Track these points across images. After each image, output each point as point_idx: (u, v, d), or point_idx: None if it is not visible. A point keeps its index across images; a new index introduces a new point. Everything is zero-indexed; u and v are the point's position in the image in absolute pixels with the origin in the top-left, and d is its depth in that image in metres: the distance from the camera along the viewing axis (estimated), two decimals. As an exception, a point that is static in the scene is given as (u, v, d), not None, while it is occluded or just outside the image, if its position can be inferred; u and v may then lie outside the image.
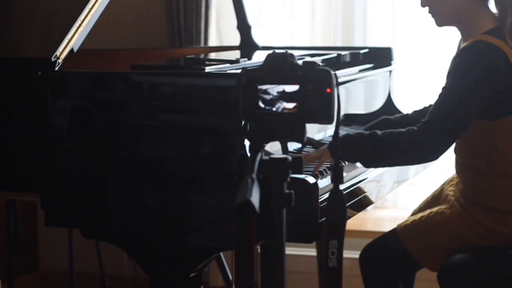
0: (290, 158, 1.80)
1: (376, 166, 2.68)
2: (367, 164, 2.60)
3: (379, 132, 2.48)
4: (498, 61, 2.48)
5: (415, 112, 2.86)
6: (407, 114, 2.87)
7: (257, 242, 2.14)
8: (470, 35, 2.58)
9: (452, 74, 2.52)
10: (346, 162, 2.61)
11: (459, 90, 2.49)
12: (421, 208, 2.83)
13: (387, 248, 2.73)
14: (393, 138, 2.47)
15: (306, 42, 4.02)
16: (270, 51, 1.87)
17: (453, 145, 2.62)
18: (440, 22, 2.64)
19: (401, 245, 2.68)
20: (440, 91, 2.53)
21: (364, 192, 2.62)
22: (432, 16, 2.64)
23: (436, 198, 2.82)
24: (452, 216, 2.63)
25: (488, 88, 2.49)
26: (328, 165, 2.54)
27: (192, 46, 3.89)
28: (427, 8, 2.65)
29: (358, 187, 2.58)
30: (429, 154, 2.49)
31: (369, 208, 2.80)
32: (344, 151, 2.46)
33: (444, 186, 2.82)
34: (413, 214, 2.83)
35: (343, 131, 3.00)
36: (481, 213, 2.58)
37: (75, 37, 2.56)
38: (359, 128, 3.10)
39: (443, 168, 3.80)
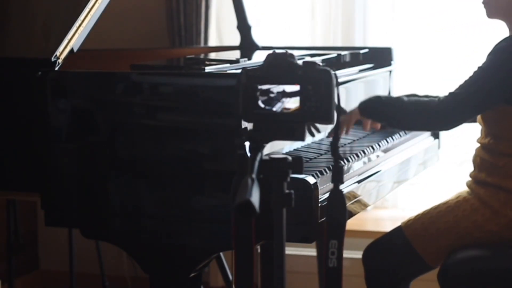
0: (290, 158, 1.80)
1: (398, 127, 2.90)
2: (391, 124, 2.78)
3: (405, 97, 2.68)
4: None
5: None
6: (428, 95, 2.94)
7: (257, 242, 2.14)
8: None
9: (492, 56, 2.62)
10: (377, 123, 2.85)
11: (493, 72, 2.60)
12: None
13: (391, 245, 2.75)
14: (418, 103, 2.66)
15: (306, 42, 4.02)
16: (270, 51, 1.87)
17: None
18: (490, 14, 2.72)
19: (405, 241, 2.69)
20: (475, 69, 2.63)
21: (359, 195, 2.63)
22: (485, 6, 2.72)
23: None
24: (458, 203, 2.70)
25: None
26: (328, 165, 2.54)
27: (192, 46, 3.89)
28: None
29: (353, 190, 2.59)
30: (447, 122, 2.65)
31: (369, 208, 2.80)
32: (372, 110, 2.71)
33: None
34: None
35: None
36: (489, 194, 2.65)
37: (75, 37, 2.56)
38: (359, 128, 3.10)
39: (443, 169, 3.81)
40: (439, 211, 2.71)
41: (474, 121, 2.77)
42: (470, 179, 2.77)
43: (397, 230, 2.75)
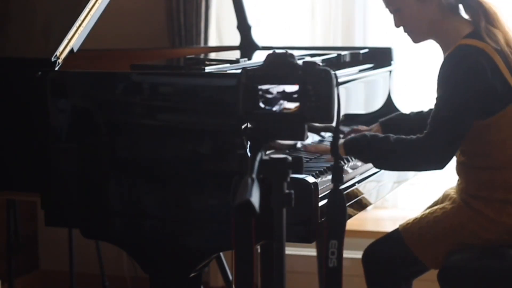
0: (290, 158, 1.80)
1: (386, 169, 2.71)
2: (378, 165, 2.62)
3: (392, 137, 2.52)
4: (482, 61, 2.52)
5: (430, 109, 2.85)
6: (422, 111, 2.89)
7: (257, 242, 2.14)
8: (450, 44, 2.61)
9: (442, 82, 2.54)
10: (357, 161, 2.67)
11: (452, 98, 2.51)
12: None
13: (389, 248, 2.74)
14: (403, 145, 2.51)
15: (306, 42, 4.02)
16: (270, 51, 1.87)
17: None
18: (416, 39, 2.69)
19: (403, 244, 2.68)
20: (434, 101, 2.55)
21: (362, 194, 2.62)
22: (409, 34, 2.69)
23: (441, 200, 2.83)
24: (454, 210, 2.65)
25: (478, 89, 2.51)
26: (328, 165, 2.54)
27: (192, 46, 3.89)
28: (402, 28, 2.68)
29: (356, 188, 2.58)
30: (436, 163, 2.53)
31: (369, 208, 2.80)
32: (357, 150, 2.53)
33: (445, 191, 2.83)
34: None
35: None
36: (482, 204, 2.61)
37: (75, 37, 2.56)
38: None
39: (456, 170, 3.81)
40: (436, 216, 2.67)
41: None
42: (459, 189, 2.70)
43: (395, 233, 2.74)
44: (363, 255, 2.78)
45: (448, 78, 2.53)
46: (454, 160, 2.68)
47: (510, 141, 2.59)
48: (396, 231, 2.74)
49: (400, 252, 2.70)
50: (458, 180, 2.74)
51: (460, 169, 2.69)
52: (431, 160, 2.52)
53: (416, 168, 2.68)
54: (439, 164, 2.52)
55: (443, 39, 2.65)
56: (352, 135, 2.64)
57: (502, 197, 2.59)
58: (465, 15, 2.65)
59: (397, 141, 2.51)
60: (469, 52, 2.54)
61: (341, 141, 2.56)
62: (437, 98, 2.54)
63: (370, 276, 2.77)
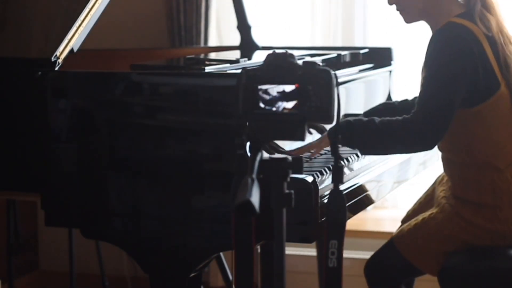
0: (290, 158, 1.80)
1: (373, 153, 2.68)
2: (365, 151, 2.58)
3: (377, 120, 2.47)
4: (469, 41, 2.49)
5: (415, 97, 2.82)
6: (407, 99, 2.85)
7: (257, 242, 2.14)
8: (440, 23, 2.57)
9: (429, 61, 2.51)
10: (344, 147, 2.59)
11: (438, 76, 2.47)
12: (415, 209, 2.84)
13: (388, 261, 2.72)
14: (390, 126, 2.46)
15: (306, 42, 4.02)
16: (270, 51, 1.87)
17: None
18: (409, 18, 2.64)
19: (400, 256, 2.67)
20: (421, 80, 2.52)
21: (365, 192, 2.62)
22: (401, 13, 2.64)
23: (429, 199, 2.82)
24: (445, 221, 2.61)
25: (464, 67, 2.47)
26: (328, 165, 2.54)
27: (192, 46, 3.89)
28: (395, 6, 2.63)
29: (358, 187, 2.58)
30: (424, 143, 2.48)
31: (369, 208, 2.80)
32: (343, 137, 2.45)
33: (435, 185, 2.81)
34: (407, 215, 2.84)
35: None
36: (472, 212, 2.57)
37: (75, 37, 2.56)
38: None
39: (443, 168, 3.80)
40: (429, 229, 2.63)
41: None
42: (448, 189, 2.68)
43: (391, 245, 2.71)
44: (365, 269, 2.78)
45: (435, 57, 2.50)
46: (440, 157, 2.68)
47: (495, 134, 2.55)
48: (391, 243, 2.72)
49: (398, 263, 2.69)
50: (445, 178, 2.71)
51: (446, 166, 2.66)
52: (418, 140, 2.46)
53: (404, 149, 2.58)
54: (427, 143, 2.47)
55: (433, 20, 2.60)
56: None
57: (491, 202, 2.55)
58: None
59: (383, 123, 2.47)
60: (457, 30, 2.50)
61: (324, 134, 2.54)
62: (423, 78, 2.51)
63: (373, 286, 2.77)
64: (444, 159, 2.66)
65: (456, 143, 2.58)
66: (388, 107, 2.83)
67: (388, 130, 2.46)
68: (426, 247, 2.63)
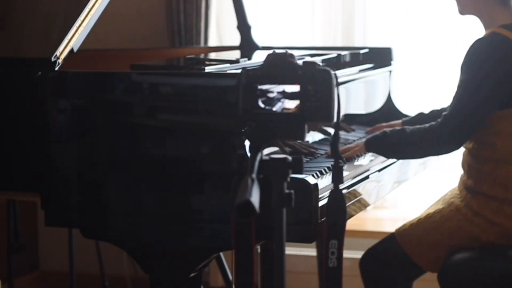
0: (290, 158, 1.80)
1: (406, 158, 2.85)
2: (398, 157, 2.78)
3: (408, 129, 2.63)
4: (508, 55, 2.56)
5: (442, 108, 2.92)
6: (444, 108, 2.90)
7: (257, 242, 2.14)
8: (487, 27, 2.66)
9: (467, 66, 2.59)
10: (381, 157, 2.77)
11: (473, 82, 2.57)
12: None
13: (386, 254, 2.73)
14: (420, 132, 2.60)
15: (306, 42, 4.02)
16: (270, 51, 1.87)
17: None
18: (462, 9, 2.72)
19: (400, 249, 2.68)
20: (457, 83, 2.60)
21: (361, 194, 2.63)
22: (457, 2, 2.72)
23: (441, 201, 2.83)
24: (452, 214, 2.65)
25: (499, 80, 2.56)
26: (328, 165, 2.54)
27: (192, 46, 3.89)
28: None
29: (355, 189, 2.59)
30: (450, 146, 2.60)
31: (369, 208, 2.80)
32: (378, 147, 2.65)
33: (444, 196, 2.83)
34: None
35: (343, 131, 3.01)
36: (481, 203, 2.62)
37: (75, 37, 2.56)
38: (359, 128, 3.10)
39: (443, 168, 3.81)
40: (433, 221, 2.67)
41: None
42: (460, 181, 2.74)
43: (392, 239, 2.73)
44: (361, 262, 2.78)
45: (472, 63, 2.58)
46: (460, 153, 2.72)
47: None
48: (392, 236, 2.73)
49: (397, 257, 2.70)
50: (462, 176, 2.74)
51: (465, 159, 2.71)
52: (447, 140, 2.59)
53: (433, 150, 2.69)
54: (455, 143, 2.59)
55: (484, 18, 2.69)
56: (375, 133, 2.70)
57: (501, 195, 2.60)
58: None
59: (414, 130, 2.61)
60: (498, 41, 2.58)
61: (363, 140, 2.68)
62: (460, 81, 2.59)
63: (368, 281, 2.77)
64: (465, 150, 2.72)
65: (480, 140, 2.64)
66: (424, 118, 2.93)
67: (420, 136, 2.61)
68: (428, 240, 2.64)
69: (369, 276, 2.76)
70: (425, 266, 2.68)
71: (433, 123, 2.61)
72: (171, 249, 2.39)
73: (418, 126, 2.63)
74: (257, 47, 3.49)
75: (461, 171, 2.75)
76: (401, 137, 2.62)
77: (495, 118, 2.59)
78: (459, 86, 2.59)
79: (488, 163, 2.62)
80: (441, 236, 2.63)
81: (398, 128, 2.69)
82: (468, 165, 2.69)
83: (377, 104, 3.30)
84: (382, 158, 2.82)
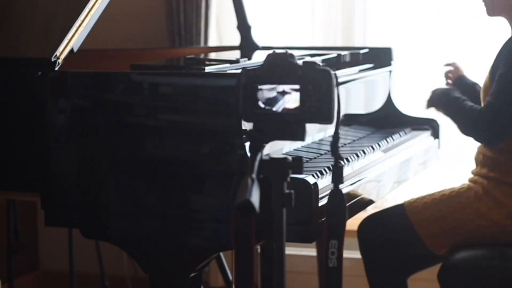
0: (290, 158, 1.80)
1: (459, 130, 2.85)
2: (455, 124, 2.83)
3: (468, 104, 2.75)
4: None
5: None
6: None
7: (257, 242, 2.14)
8: None
9: (506, 61, 2.64)
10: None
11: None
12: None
13: (389, 220, 2.77)
14: (470, 112, 2.71)
15: (306, 42, 4.02)
16: (270, 51, 1.87)
17: None
18: (491, 12, 2.77)
19: (405, 217, 2.71)
20: (497, 78, 2.66)
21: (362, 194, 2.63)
22: (485, 5, 2.77)
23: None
24: (462, 190, 2.74)
25: None
26: (328, 165, 2.54)
27: (192, 46, 3.89)
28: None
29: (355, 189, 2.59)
30: (491, 134, 2.68)
31: (369, 208, 2.81)
32: (446, 106, 2.84)
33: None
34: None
35: (343, 131, 3.01)
36: (492, 185, 2.70)
37: (75, 37, 2.56)
38: (359, 128, 3.10)
39: (443, 168, 3.81)
40: (443, 194, 2.76)
41: None
42: (472, 176, 2.81)
43: (399, 207, 2.78)
44: (359, 226, 2.80)
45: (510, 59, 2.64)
46: (472, 148, 2.81)
47: None
48: (400, 205, 2.78)
49: (400, 226, 2.72)
50: (473, 170, 2.79)
51: (481, 150, 2.78)
52: (486, 134, 2.68)
53: (475, 135, 2.75)
54: (492, 135, 2.67)
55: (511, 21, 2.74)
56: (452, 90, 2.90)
57: (511, 181, 2.68)
58: None
59: (469, 107, 2.72)
60: None
61: (437, 89, 2.94)
62: (499, 75, 2.65)
63: (364, 248, 2.77)
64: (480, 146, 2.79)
65: None
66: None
67: (468, 115, 2.71)
68: (435, 212, 2.71)
69: (366, 239, 2.78)
70: (427, 240, 2.70)
71: (481, 109, 2.68)
72: (171, 249, 2.39)
73: (474, 106, 2.72)
74: (257, 47, 3.49)
75: (461, 171, 2.77)
76: (461, 105, 2.74)
77: None
78: (498, 80, 2.64)
79: (504, 153, 2.70)
80: (448, 208, 2.70)
81: (465, 100, 2.77)
82: (483, 155, 2.77)
83: (377, 104, 3.30)
84: (382, 158, 2.82)
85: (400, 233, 2.73)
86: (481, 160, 2.77)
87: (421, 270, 2.83)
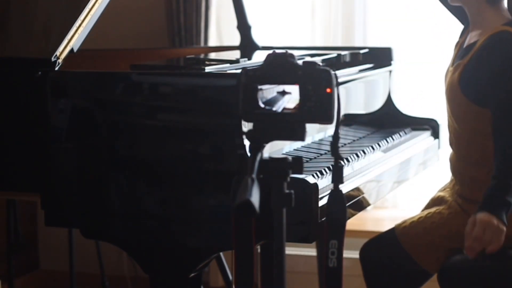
0: (290, 158, 1.80)
1: None
2: None
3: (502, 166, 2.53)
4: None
5: None
6: None
7: (257, 242, 2.14)
8: (480, 24, 2.66)
9: (506, 76, 2.56)
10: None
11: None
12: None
13: (386, 249, 2.74)
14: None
15: (306, 42, 4.02)
16: (270, 51, 1.87)
17: (448, 140, 2.71)
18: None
19: (401, 248, 2.68)
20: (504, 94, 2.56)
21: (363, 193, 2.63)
22: None
23: (435, 203, 2.83)
24: (451, 217, 2.65)
25: None
26: (328, 165, 2.54)
27: (192, 46, 3.89)
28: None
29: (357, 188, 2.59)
30: None
31: (369, 208, 2.81)
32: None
33: (439, 193, 2.83)
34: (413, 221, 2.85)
35: (343, 131, 3.01)
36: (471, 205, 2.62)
37: (75, 37, 2.56)
38: (359, 128, 3.10)
39: (443, 168, 3.81)
40: (433, 222, 2.69)
41: None
42: (454, 193, 2.73)
43: (392, 235, 2.74)
44: (360, 254, 2.79)
45: (504, 64, 2.56)
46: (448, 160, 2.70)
47: None
48: (392, 232, 2.74)
49: (398, 255, 2.70)
50: (452, 181, 2.73)
51: (455, 167, 2.69)
52: None
53: None
54: None
55: (471, 14, 2.70)
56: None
57: None
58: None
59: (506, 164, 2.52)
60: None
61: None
62: (506, 92, 2.55)
63: (369, 275, 2.77)
64: (454, 159, 2.70)
65: (471, 142, 2.63)
66: None
67: None
68: (429, 242, 2.65)
69: (370, 269, 2.77)
70: (427, 266, 2.68)
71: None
72: (171, 249, 2.39)
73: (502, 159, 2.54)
74: (257, 47, 3.49)
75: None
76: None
77: (485, 117, 2.58)
78: (507, 97, 2.55)
79: (482, 168, 2.61)
80: (439, 238, 2.64)
81: (499, 179, 2.52)
82: (459, 172, 2.69)
83: (377, 104, 3.30)
84: (382, 158, 2.82)
85: (399, 261, 2.72)
86: (459, 177, 2.70)
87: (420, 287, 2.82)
